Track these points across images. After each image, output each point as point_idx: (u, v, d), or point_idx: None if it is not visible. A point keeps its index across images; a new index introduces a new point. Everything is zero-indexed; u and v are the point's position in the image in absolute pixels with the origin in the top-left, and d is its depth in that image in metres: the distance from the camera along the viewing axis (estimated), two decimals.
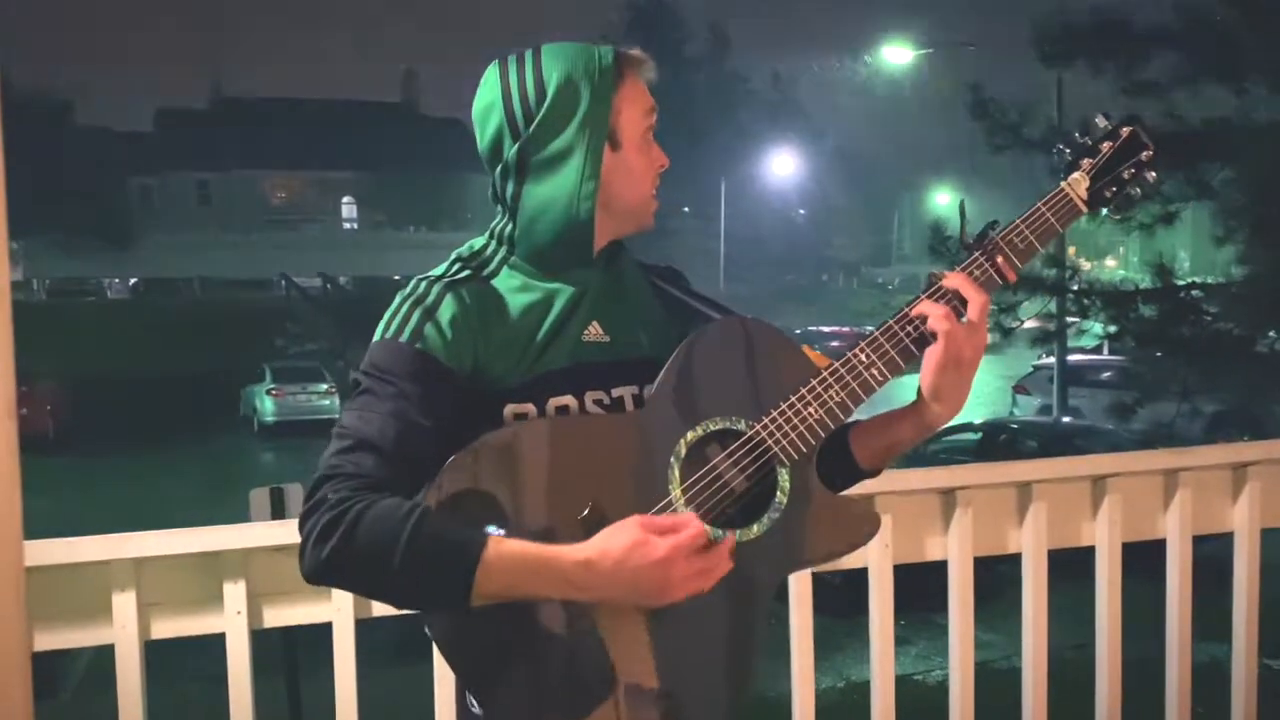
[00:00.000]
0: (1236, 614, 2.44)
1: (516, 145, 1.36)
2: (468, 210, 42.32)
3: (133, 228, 37.41)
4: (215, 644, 1.94)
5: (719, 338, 1.39)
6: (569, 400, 1.36)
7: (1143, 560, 2.45)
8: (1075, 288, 9.00)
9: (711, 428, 1.35)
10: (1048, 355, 16.64)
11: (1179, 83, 8.31)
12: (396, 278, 39.05)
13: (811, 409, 1.37)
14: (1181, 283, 8.89)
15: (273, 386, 20.23)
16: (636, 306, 1.46)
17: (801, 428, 1.36)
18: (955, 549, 2.26)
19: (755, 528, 1.34)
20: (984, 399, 20.47)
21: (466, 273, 1.39)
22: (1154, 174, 1.52)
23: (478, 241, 1.44)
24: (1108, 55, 8.53)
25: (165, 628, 1.92)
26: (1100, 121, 1.52)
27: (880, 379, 1.39)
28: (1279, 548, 2.63)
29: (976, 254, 1.44)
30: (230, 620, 1.92)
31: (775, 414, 1.36)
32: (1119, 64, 8.46)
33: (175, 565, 1.92)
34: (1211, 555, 2.57)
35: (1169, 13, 8.38)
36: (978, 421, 13.56)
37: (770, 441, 1.35)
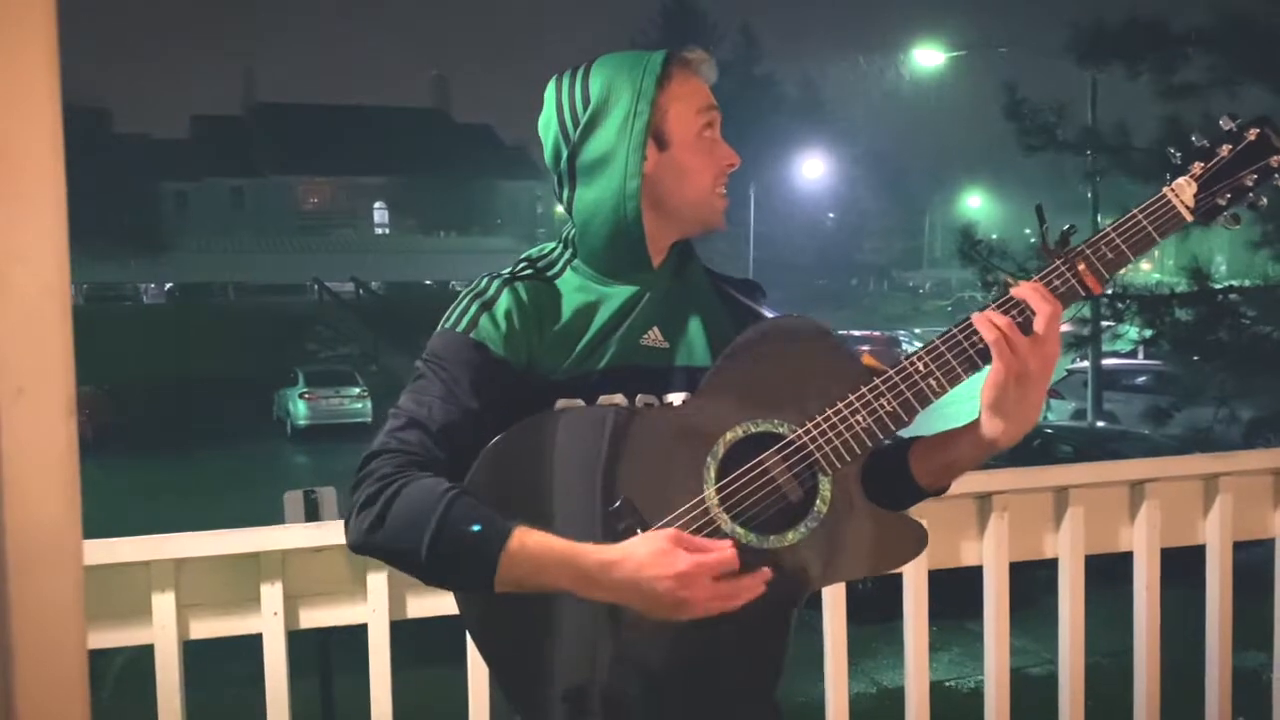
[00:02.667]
0: (1279, 623, 2.41)
1: (567, 153, 1.40)
2: (498, 215, 42.54)
3: (168, 233, 37.88)
4: (249, 645, 1.96)
5: (767, 337, 1.36)
6: (619, 399, 1.37)
7: (1179, 566, 2.42)
8: (1109, 291, 8.90)
9: (753, 429, 1.31)
10: (1082, 359, 16.48)
11: (1217, 84, 8.21)
12: (428, 282, 39.36)
13: (860, 417, 1.31)
14: (1218, 286, 8.77)
15: (306, 390, 20.39)
16: (701, 316, 1.45)
17: (847, 435, 1.31)
18: (991, 554, 2.24)
19: (790, 535, 1.30)
20: None
21: (529, 271, 1.43)
22: None
23: (549, 245, 1.48)
24: (1144, 56, 8.45)
25: (203, 628, 1.94)
26: (1225, 123, 1.37)
27: (938, 390, 1.32)
28: None
29: (1057, 262, 1.34)
30: (267, 621, 1.94)
31: (820, 419, 1.31)
32: (1155, 65, 8.38)
33: (214, 566, 1.94)
34: (1247, 562, 2.53)
35: (1206, 13, 8.29)
36: None
37: (813, 448, 1.31)
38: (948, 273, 48.12)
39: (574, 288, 1.41)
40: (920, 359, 1.33)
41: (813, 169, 40.51)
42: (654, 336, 1.41)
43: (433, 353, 1.37)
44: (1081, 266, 1.33)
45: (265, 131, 43.36)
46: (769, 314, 1.45)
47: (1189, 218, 1.35)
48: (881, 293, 49.05)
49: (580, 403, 1.35)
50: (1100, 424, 14.53)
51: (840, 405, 1.32)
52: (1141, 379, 15.94)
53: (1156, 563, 2.32)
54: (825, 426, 1.31)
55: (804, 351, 1.35)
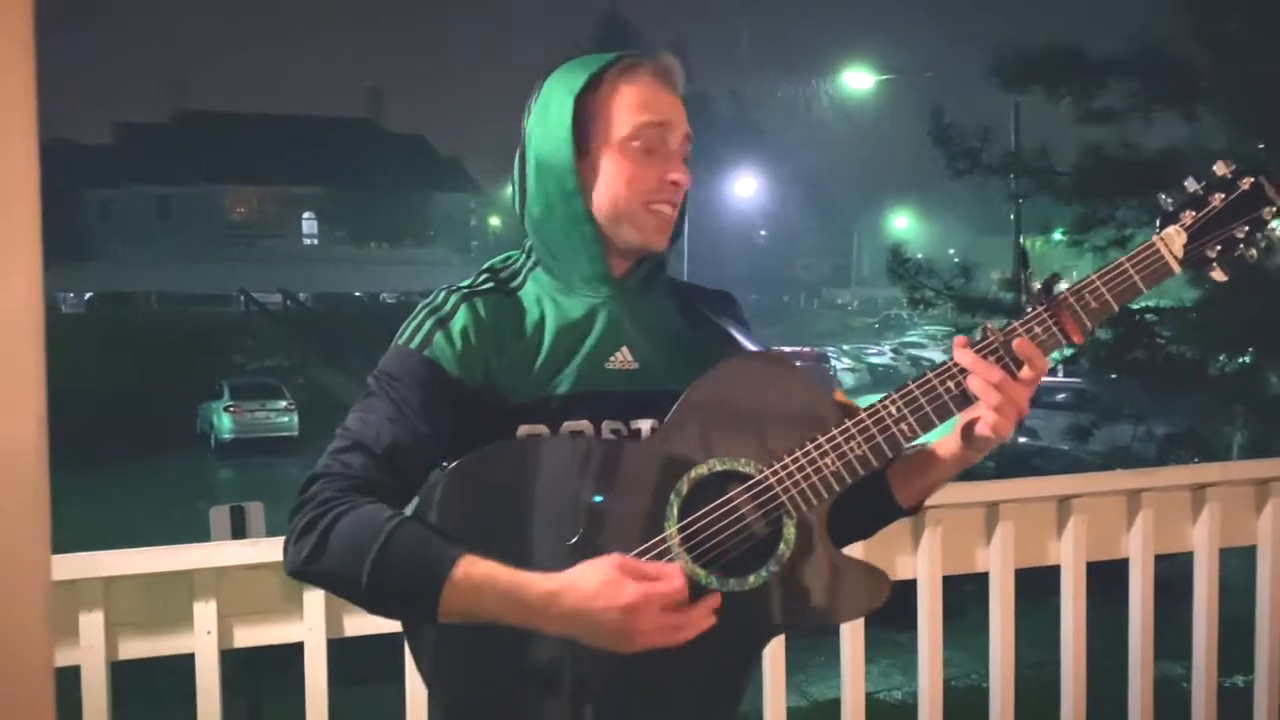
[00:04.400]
0: (1196, 633, 2.49)
1: (518, 155, 1.39)
2: (431, 227, 42.18)
3: (90, 241, 36.88)
4: (176, 664, 1.92)
5: (737, 372, 1.31)
6: (584, 425, 1.32)
7: (1093, 579, 2.48)
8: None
9: (718, 467, 1.27)
10: None
11: (1134, 110, 8.50)
12: (357, 294, 38.83)
13: (828, 460, 1.26)
14: (1135, 306, 9.05)
15: (231, 403, 19.98)
16: (671, 336, 1.41)
17: (815, 478, 1.26)
18: (925, 568, 2.28)
19: (751, 579, 1.25)
20: None
21: (490, 284, 1.38)
22: None
23: (514, 254, 1.44)
24: (1064, 82, 8.70)
25: (133, 648, 1.89)
26: (1220, 169, 1.31)
27: (910, 434, 1.28)
28: (1235, 567, 2.68)
29: (1040, 309, 1.30)
30: (200, 640, 1.90)
31: (788, 460, 1.26)
32: (1076, 91, 8.64)
33: (144, 584, 1.89)
34: (1165, 575, 2.60)
35: (1124, 41, 8.58)
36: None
37: (779, 489, 1.26)
38: (875, 291, 49.01)
39: (534, 299, 1.37)
40: (893, 402, 1.29)
41: (745, 187, 40.89)
42: (622, 358, 1.36)
43: (384, 370, 1.32)
44: (1065, 316, 1.29)
45: (193, 140, 42.44)
46: (742, 338, 1.40)
47: (1177, 269, 1.31)
48: (811, 310, 49.69)
49: (543, 429, 1.30)
50: (1021, 439, 14.84)
51: (809, 447, 1.27)
52: (1061, 396, 16.33)
53: (1083, 576, 2.39)
54: (793, 468, 1.27)
55: (774, 388, 1.30)
